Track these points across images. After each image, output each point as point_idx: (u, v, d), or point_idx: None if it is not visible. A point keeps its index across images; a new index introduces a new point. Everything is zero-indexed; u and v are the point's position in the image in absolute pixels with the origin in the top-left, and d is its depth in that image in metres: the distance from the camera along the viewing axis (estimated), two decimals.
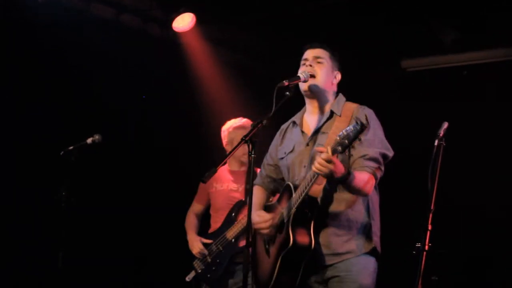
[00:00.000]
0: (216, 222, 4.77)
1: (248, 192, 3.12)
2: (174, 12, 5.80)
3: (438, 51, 6.18)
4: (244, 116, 4.87)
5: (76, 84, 5.54)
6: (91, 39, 5.46)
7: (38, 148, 5.32)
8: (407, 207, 5.15)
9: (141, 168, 6.07)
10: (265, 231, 3.33)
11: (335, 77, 3.43)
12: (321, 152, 2.96)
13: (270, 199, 3.64)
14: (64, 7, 5.35)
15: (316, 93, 3.36)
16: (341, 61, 3.48)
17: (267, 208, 3.51)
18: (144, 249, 6.11)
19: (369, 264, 3.27)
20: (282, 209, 3.31)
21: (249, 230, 3.11)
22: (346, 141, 2.88)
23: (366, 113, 3.22)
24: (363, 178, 3.12)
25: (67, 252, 4.43)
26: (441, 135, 3.13)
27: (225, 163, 3.35)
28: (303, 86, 3.34)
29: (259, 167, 3.75)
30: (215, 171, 3.15)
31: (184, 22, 5.88)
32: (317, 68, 3.35)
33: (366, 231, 3.27)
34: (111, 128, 5.30)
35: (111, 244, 5.81)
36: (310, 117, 3.43)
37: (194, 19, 5.88)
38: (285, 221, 3.23)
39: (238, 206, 4.68)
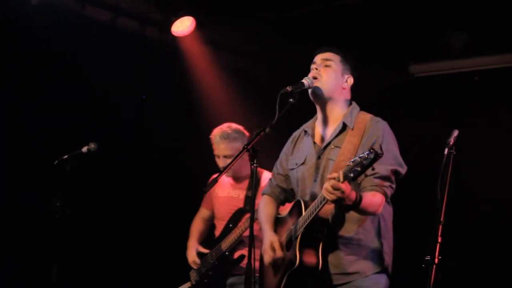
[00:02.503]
0: (217, 231, 4.74)
1: (251, 202, 3.10)
2: (173, 16, 5.81)
3: (448, 56, 6.18)
4: (247, 123, 4.83)
5: (71, 90, 5.55)
6: (87, 43, 5.47)
7: (32, 156, 5.32)
8: (416, 218, 5.13)
9: (139, 176, 6.07)
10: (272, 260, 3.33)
11: (346, 81, 3.36)
12: (333, 178, 2.93)
13: (279, 211, 3.63)
14: (58, 9, 5.36)
15: (322, 98, 3.32)
16: (355, 65, 3.43)
17: (278, 221, 3.49)
18: (142, 261, 6.10)
19: (380, 281, 3.26)
20: (292, 225, 3.30)
21: (251, 242, 3.10)
22: (359, 169, 2.85)
23: (379, 127, 3.22)
24: (373, 200, 3.10)
25: (61, 265, 4.43)
26: (451, 143, 3.13)
27: (223, 172, 3.32)
28: (309, 91, 3.31)
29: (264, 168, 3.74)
30: (216, 181, 3.15)
31: (183, 25, 5.90)
32: (323, 72, 3.31)
33: (377, 251, 3.25)
34: (108, 135, 5.30)
35: (108, 257, 5.81)
36: (321, 127, 3.39)
37: (194, 23, 5.90)
38: (293, 239, 3.23)
39: (237, 215, 4.62)
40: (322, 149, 3.32)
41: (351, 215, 3.19)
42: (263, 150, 3.15)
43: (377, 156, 2.81)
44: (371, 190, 3.11)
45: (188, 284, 4.70)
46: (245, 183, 4.66)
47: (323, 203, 3.04)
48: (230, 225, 4.61)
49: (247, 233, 4.48)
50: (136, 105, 6.17)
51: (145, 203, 6.09)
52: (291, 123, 3.55)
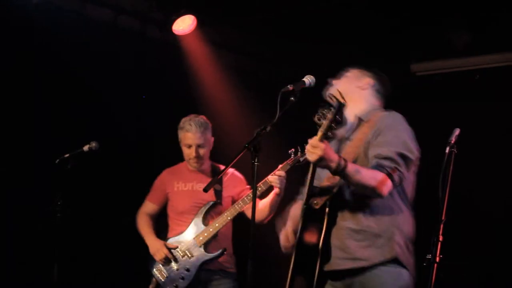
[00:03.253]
0: (179, 225, 4.62)
1: (252, 201, 3.12)
2: (174, 14, 5.81)
3: (449, 54, 6.19)
4: (249, 122, 4.85)
5: (72, 89, 5.56)
6: (87, 42, 5.48)
7: (32, 155, 5.33)
8: (417, 217, 5.14)
9: (140, 175, 6.07)
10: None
11: (363, 81, 3.48)
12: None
13: None
14: (59, 8, 5.37)
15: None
16: (376, 70, 3.54)
17: None
18: (143, 261, 6.10)
19: (401, 276, 3.23)
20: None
21: (252, 239, 3.11)
22: (328, 123, 2.99)
23: (391, 115, 3.30)
24: (372, 175, 3.09)
25: (62, 265, 4.43)
26: (452, 142, 3.14)
27: (224, 171, 3.34)
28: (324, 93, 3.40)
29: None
30: (217, 181, 3.17)
31: (184, 24, 5.90)
32: (337, 81, 3.46)
33: (387, 239, 3.23)
34: (109, 134, 5.31)
35: (109, 257, 5.82)
36: (344, 127, 3.44)
37: (195, 21, 5.91)
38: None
39: (208, 208, 4.58)
40: (338, 144, 3.38)
41: (362, 201, 3.21)
42: (264, 149, 3.17)
43: (340, 105, 2.99)
44: (373, 169, 3.15)
45: (155, 282, 4.58)
46: (207, 177, 4.59)
47: (312, 169, 3.15)
48: (202, 219, 4.54)
49: (223, 228, 4.52)
50: (137, 104, 6.18)
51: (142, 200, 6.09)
52: (292, 121, 3.57)
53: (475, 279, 5.79)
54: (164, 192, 4.75)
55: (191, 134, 4.62)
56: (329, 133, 2.99)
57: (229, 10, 5.89)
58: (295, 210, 3.46)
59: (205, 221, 4.56)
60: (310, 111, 3.56)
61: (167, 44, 6.16)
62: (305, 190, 3.24)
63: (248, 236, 3.15)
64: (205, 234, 4.49)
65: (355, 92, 3.41)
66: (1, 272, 5.19)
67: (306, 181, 3.26)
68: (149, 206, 4.84)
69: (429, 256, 3.01)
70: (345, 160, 3.05)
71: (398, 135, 3.22)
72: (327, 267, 3.21)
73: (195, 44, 6.14)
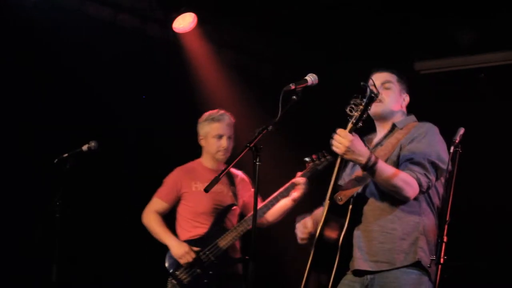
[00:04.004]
0: (195, 227, 4.52)
1: (254, 201, 3.10)
2: (174, 12, 5.81)
3: (454, 53, 6.17)
4: (250, 121, 4.84)
5: (71, 88, 5.56)
6: (86, 40, 5.47)
7: (31, 155, 5.33)
8: None
9: (140, 175, 6.07)
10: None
11: (404, 99, 3.52)
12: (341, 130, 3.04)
13: None
14: (58, 6, 5.37)
15: (384, 117, 3.45)
16: (409, 84, 3.57)
17: None
18: (145, 262, 6.10)
19: (418, 280, 3.20)
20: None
21: (253, 241, 3.10)
22: (359, 113, 2.97)
23: (426, 125, 3.33)
24: (402, 176, 3.12)
25: (61, 266, 4.43)
26: (457, 141, 3.13)
27: (225, 171, 3.30)
28: (371, 110, 3.30)
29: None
30: (218, 180, 3.16)
31: (185, 22, 5.90)
32: (385, 95, 3.42)
33: (410, 244, 3.21)
34: (109, 133, 5.31)
35: (109, 258, 5.81)
36: (378, 135, 3.51)
37: (196, 19, 5.90)
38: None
39: (229, 211, 4.55)
40: (371, 150, 3.34)
41: (388, 202, 3.21)
42: (265, 148, 3.16)
43: (372, 94, 2.94)
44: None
45: (175, 284, 4.46)
46: (224, 179, 4.55)
47: (339, 161, 3.13)
48: (223, 222, 4.51)
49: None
50: (137, 103, 6.17)
51: (146, 202, 6.08)
52: (294, 120, 3.56)
53: (480, 281, 5.78)
54: (179, 191, 4.62)
55: (225, 124, 4.62)
56: (360, 124, 2.99)
57: (230, 8, 5.89)
58: (319, 210, 3.48)
59: (225, 224, 4.52)
60: (312, 111, 3.56)
61: (167, 42, 6.16)
62: (330, 184, 3.23)
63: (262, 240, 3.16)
64: (229, 238, 4.43)
65: (396, 109, 3.47)
66: (0, 272, 5.19)
67: (332, 176, 3.24)
68: (159, 204, 4.66)
69: (433, 257, 3.00)
70: (376, 157, 3.07)
71: (431, 144, 3.26)
72: (347, 265, 3.22)
73: (196, 42, 6.13)
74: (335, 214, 3.21)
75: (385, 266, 3.19)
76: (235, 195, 4.61)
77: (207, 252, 4.44)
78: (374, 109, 3.33)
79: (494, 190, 5.71)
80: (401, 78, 3.52)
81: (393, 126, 3.41)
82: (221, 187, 4.56)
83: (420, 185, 3.15)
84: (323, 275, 3.20)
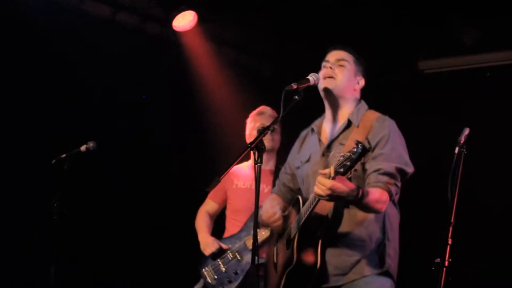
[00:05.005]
0: (234, 226, 4.52)
1: (255, 201, 3.10)
2: (174, 10, 5.81)
3: (458, 52, 6.17)
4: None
5: (69, 87, 5.56)
6: (85, 38, 5.48)
7: (28, 155, 5.33)
8: (425, 219, 5.14)
9: (139, 176, 6.07)
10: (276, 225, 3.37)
11: (358, 82, 3.42)
12: (324, 174, 2.93)
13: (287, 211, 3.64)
14: (57, 4, 5.37)
15: (333, 97, 3.36)
16: (366, 66, 3.47)
17: (284, 219, 3.50)
18: (142, 263, 6.11)
19: (384, 284, 3.24)
20: (291, 224, 3.32)
21: (255, 244, 3.09)
22: (348, 163, 2.85)
23: (385, 125, 3.23)
24: (377, 196, 3.08)
25: (59, 268, 4.43)
26: (461, 141, 3.13)
27: (227, 171, 3.30)
28: (320, 86, 3.33)
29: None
30: (219, 181, 3.15)
31: (185, 20, 5.90)
32: (338, 71, 3.35)
33: (379, 252, 3.24)
34: (107, 133, 5.31)
35: (107, 259, 5.82)
36: (328, 125, 3.42)
37: (196, 18, 5.90)
38: (291, 237, 3.24)
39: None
40: (327, 146, 3.34)
41: (353, 214, 3.19)
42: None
43: (364, 150, 2.82)
44: (375, 187, 3.11)
45: (202, 282, 4.44)
46: (268, 177, 4.50)
47: (316, 201, 3.06)
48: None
49: None
50: (136, 102, 6.18)
51: (145, 203, 6.10)
52: (296, 121, 3.56)
53: (485, 284, 5.77)
54: (224, 190, 4.61)
55: (266, 116, 4.54)
56: (341, 170, 2.88)
57: (231, 6, 5.88)
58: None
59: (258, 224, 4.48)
60: (315, 111, 3.55)
61: (167, 41, 6.16)
62: (300, 216, 3.21)
63: None
64: (259, 236, 4.26)
65: (349, 90, 3.38)
66: None
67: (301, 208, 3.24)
68: (209, 204, 4.69)
69: (437, 260, 3.00)
70: (367, 192, 3.01)
71: (394, 147, 3.20)
72: (322, 285, 3.21)
73: (196, 41, 6.13)
74: (307, 239, 3.18)
75: (354, 277, 3.20)
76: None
77: (235, 251, 4.41)
78: (325, 84, 3.30)
79: (500, 191, 5.70)
80: (358, 59, 3.43)
81: (349, 123, 3.32)
82: (262, 185, 4.33)
83: (390, 196, 3.14)
84: None
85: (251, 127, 4.62)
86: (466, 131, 3.18)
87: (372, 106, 3.46)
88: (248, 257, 4.32)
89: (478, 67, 6.14)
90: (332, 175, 2.89)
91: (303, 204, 3.25)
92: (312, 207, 3.10)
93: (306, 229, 3.17)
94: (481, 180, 5.29)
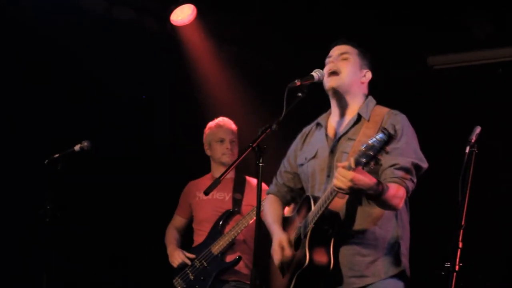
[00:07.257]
0: (199, 236, 4.83)
1: (256, 203, 3.10)
2: (172, 4, 5.81)
3: (469, 47, 6.16)
4: (253, 120, 4.89)
5: (63, 83, 5.56)
6: (80, 33, 5.48)
7: (20, 155, 5.33)
8: (435, 222, 5.13)
9: (135, 176, 6.07)
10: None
11: (364, 75, 3.43)
12: (343, 166, 2.91)
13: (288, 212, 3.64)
14: None
15: (340, 95, 3.37)
16: (372, 59, 3.49)
17: (285, 221, 3.52)
18: (138, 266, 6.11)
19: (398, 286, 3.24)
20: (300, 223, 3.31)
21: (256, 247, 3.09)
22: (371, 153, 2.82)
23: (398, 119, 3.24)
24: (395, 193, 3.08)
25: (51, 274, 4.44)
26: (473, 141, 3.13)
27: (226, 172, 3.33)
28: (326, 84, 3.34)
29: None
30: (219, 182, 3.16)
31: (183, 14, 5.90)
32: (341, 65, 3.37)
33: (394, 252, 3.24)
34: (102, 132, 5.31)
35: (101, 265, 5.82)
36: (335, 120, 3.43)
37: (195, 11, 5.90)
38: (302, 237, 3.23)
39: (225, 217, 4.76)
40: (336, 142, 3.33)
41: (366, 211, 3.19)
42: (269, 149, 3.15)
43: (390, 137, 2.78)
44: (392, 182, 3.10)
45: None
46: (229, 185, 4.84)
47: (333, 194, 3.04)
48: (218, 228, 4.72)
49: (239, 236, 4.68)
50: (133, 99, 6.18)
51: (142, 204, 6.10)
52: (300, 119, 3.56)
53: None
54: (188, 203, 4.96)
55: (224, 128, 4.92)
56: (363, 160, 2.84)
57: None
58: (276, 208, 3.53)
59: (222, 230, 4.72)
60: (319, 109, 3.55)
61: (164, 35, 6.15)
62: (315, 210, 3.20)
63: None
64: (221, 242, 4.67)
65: (355, 84, 3.39)
66: None
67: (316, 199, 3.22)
68: (176, 219, 5.06)
69: (447, 264, 3.00)
70: (387, 187, 3.01)
71: (409, 142, 3.22)
72: (335, 286, 3.21)
73: (195, 36, 6.12)
74: (319, 238, 3.17)
75: (369, 280, 3.20)
76: (236, 201, 4.79)
77: (202, 259, 4.70)
78: (330, 83, 3.32)
79: None
80: (362, 52, 3.45)
81: (359, 117, 3.33)
82: (222, 194, 4.82)
83: (407, 191, 3.15)
84: None
85: (211, 139, 4.95)
86: (478, 129, 3.17)
87: (380, 102, 3.46)
88: (213, 263, 4.66)
89: (490, 63, 6.14)
90: (353, 166, 2.87)
91: (314, 202, 3.23)
92: (328, 202, 3.08)
93: (319, 227, 3.17)
94: (493, 181, 5.28)
